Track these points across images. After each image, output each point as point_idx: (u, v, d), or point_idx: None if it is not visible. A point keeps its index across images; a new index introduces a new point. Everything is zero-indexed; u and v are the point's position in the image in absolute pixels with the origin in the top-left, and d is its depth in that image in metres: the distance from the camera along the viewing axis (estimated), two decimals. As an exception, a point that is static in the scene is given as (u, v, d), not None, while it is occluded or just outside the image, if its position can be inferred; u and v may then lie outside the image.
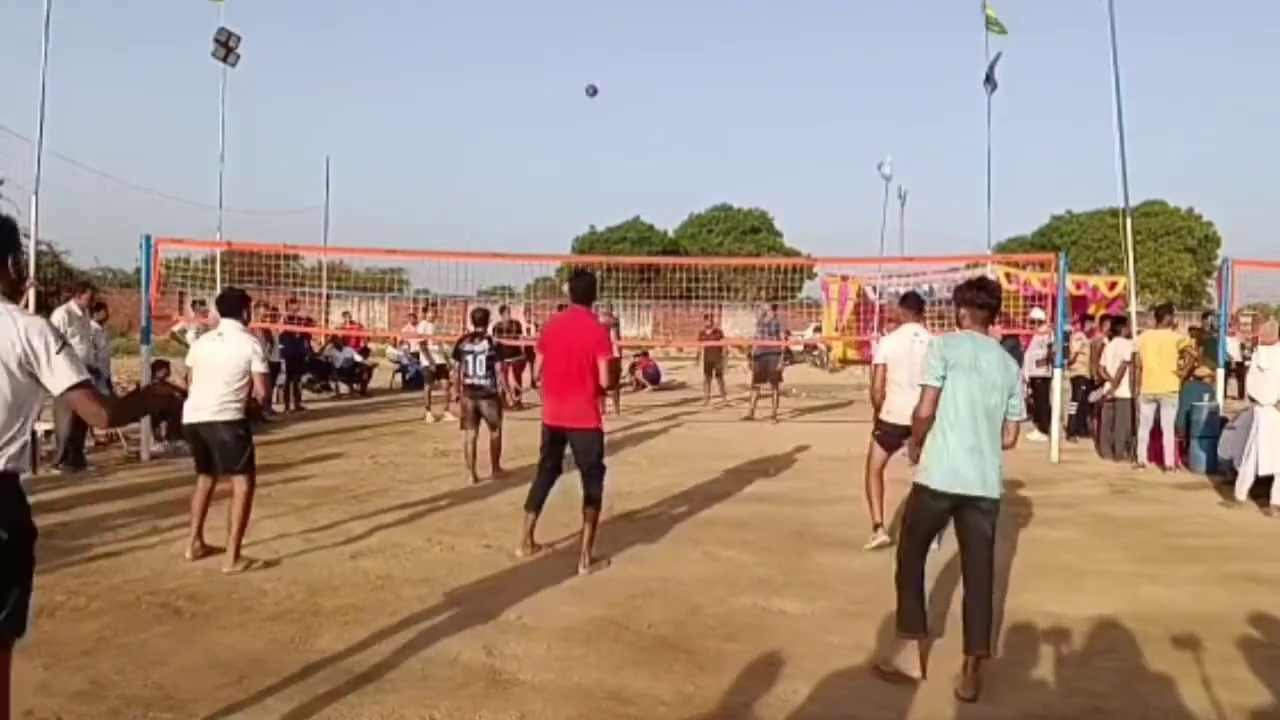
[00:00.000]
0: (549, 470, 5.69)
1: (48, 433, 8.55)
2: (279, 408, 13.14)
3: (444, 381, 13.07)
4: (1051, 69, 79.80)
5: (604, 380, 5.46)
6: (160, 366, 10.30)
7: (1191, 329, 13.55)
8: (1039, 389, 11.52)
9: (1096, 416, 10.81)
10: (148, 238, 9.84)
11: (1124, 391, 9.87)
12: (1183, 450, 9.52)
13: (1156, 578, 5.54)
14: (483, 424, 8.38)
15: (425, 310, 15.68)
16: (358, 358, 16.78)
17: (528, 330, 14.97)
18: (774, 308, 15.38)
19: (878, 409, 6.18)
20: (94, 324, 9.01)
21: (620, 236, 46.75)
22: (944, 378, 3.88)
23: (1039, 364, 11.60)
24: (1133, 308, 12.60)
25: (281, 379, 13.16)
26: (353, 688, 3.73)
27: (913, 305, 6.38)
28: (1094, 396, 11.00)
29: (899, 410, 5.63)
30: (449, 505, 7.22)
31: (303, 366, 14.47)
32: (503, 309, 17.27)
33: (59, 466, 8.27)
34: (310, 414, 13.26)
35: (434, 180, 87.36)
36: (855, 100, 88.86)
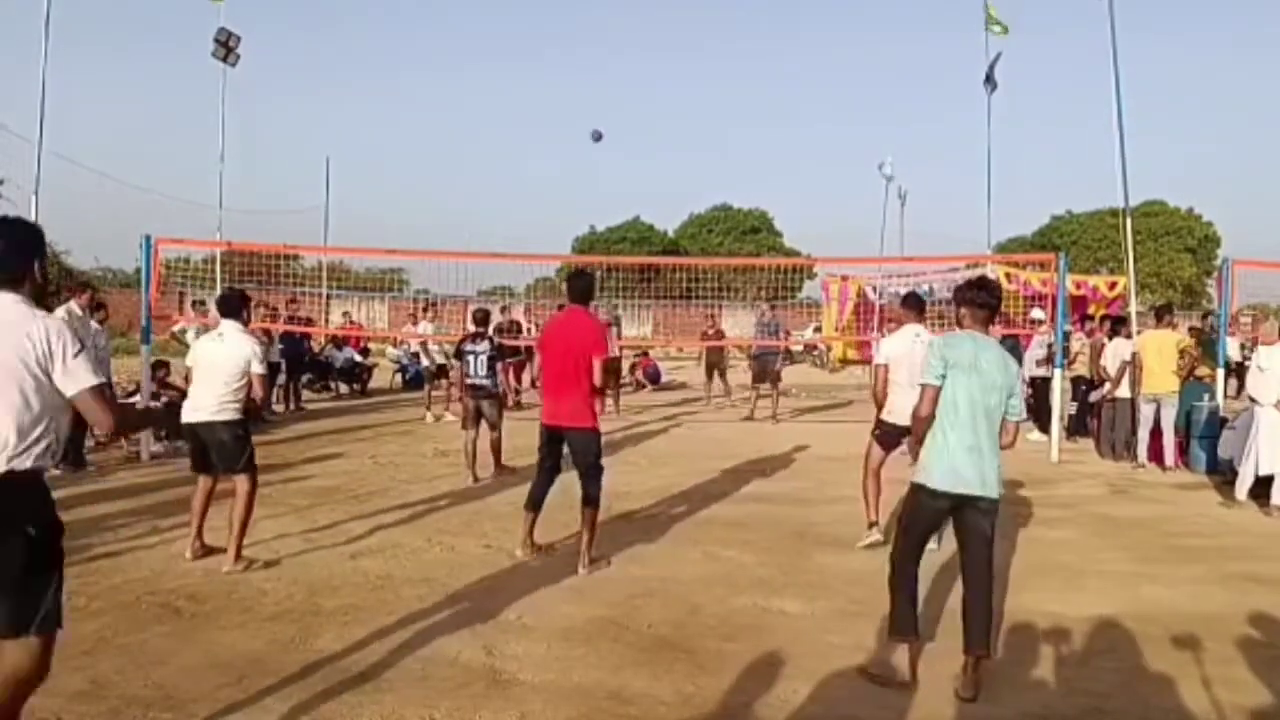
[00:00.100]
0: (548, 470, 5.70)
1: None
2: (279, 408, 13.15)
3: (444, 382, 13.08)
4: (1051, 69, 80.00)
5: (597, 379, 5.46)
6: (160, 366, 10.31)
7: (1191, 329, 13.55)
8: (1039, 389, 11.52)
9: (1096, 416, 10.81)
10: (148, 238, 9.84)
11: (1124, 391, 9.87)
12: (1183, 450, 9.52)
13: (1156, 578, 5.54)
14: (483, 424, 8.39)
15: (425, 310, 15.69)
16: (358, 358, 16.78)
17: (528, 330, 14.97)
18: (772, 307, 15.38)
19: (880, 408, 6.21)
20: (94, 324, 9.00)
21: (620, 236, 46.76)
22: (944, 377, 3.88)
23: (1039, 364, 11.60)
24: (1133, 308, 12.61)
25: (281, 379, 13.17)
26: (352, 688, 3.73)
27: (914, 306, 6.40)
28: (1094, 396, 11.00)
29: (899, 410, 5.64)
30: (449, 505, 7.22)
31: (303, 366, 14.47)
32: (504, 309, 17.27)
33: (59, 466, 8.27)
34: (310, 414, 13.26)
35: (434, 180, 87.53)
36: (855, 100, 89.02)
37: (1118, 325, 10.70)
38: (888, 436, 6.04)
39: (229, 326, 5.56)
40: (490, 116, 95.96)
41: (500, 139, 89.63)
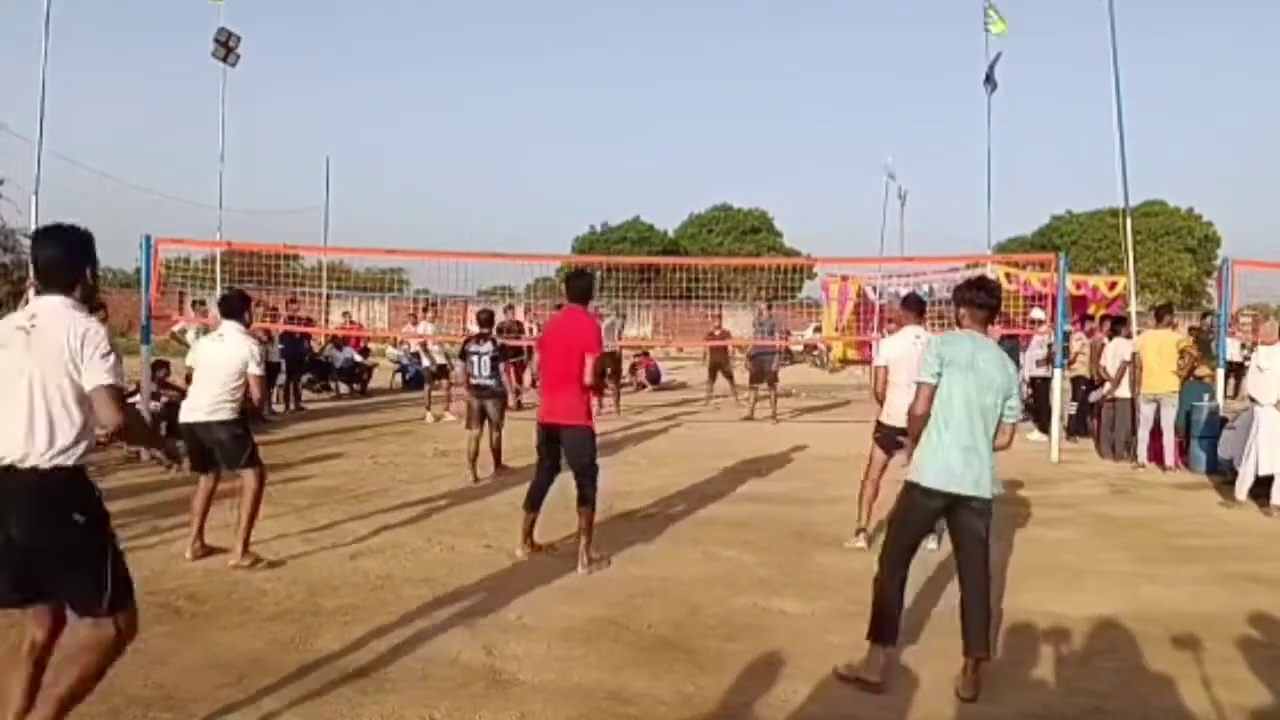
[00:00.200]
0: (547, 469, 5.72)
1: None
2: (279, 408, 13.15)
3: (444, 382, 13.08)
4: (1051, 69, 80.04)
5: (588, 376, 5.47)
6: (160, 366, 10.30)
7: (1191, 328, 13.56)
8: (1039, 389, 11.52)
9: (1096, 416, 10.82)
10: (148, 238, 9.84)
11: (1124, 391, 9.88)
12: (1183, 450, 9.52)
13: (1156, 578, 5.54)
14: (485, 423, 8.42)
15: (425, 310, 15.68)
16: (358, 358, 16.78)
17: (530, 330, 14.97)
18: (769, 307, 15.37)
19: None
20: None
21: (620, 236, 46.75)
22: (939, 375, 3.87)
23: (1039, 364, 11.60)
24: (1133, 308, 12.59)
25: (281, 379, 13.16)
26: (353, 688, 3.73)
27: (914, 307, 6.36)
28: (1094, 396, 11.00)
29: (897, 412, 5.60)
30: (449, 505, 7.22)
31: (303, 366, 14.47)
32: (508, 308, 17.24)
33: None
34: (310, 414, 13.26)
35: (434, 180, 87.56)
36: (855, 100, 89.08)
37: (1118, 325, 10.70)
38: (887, 439, 6.01)
39: (229, 327, 5.57)
40: (490, 116, 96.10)
41: (500, 139, 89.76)
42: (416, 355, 16.08)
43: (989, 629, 3.87)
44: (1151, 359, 9.44)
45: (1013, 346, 11.22)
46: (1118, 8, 12.61)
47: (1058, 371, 10.52)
